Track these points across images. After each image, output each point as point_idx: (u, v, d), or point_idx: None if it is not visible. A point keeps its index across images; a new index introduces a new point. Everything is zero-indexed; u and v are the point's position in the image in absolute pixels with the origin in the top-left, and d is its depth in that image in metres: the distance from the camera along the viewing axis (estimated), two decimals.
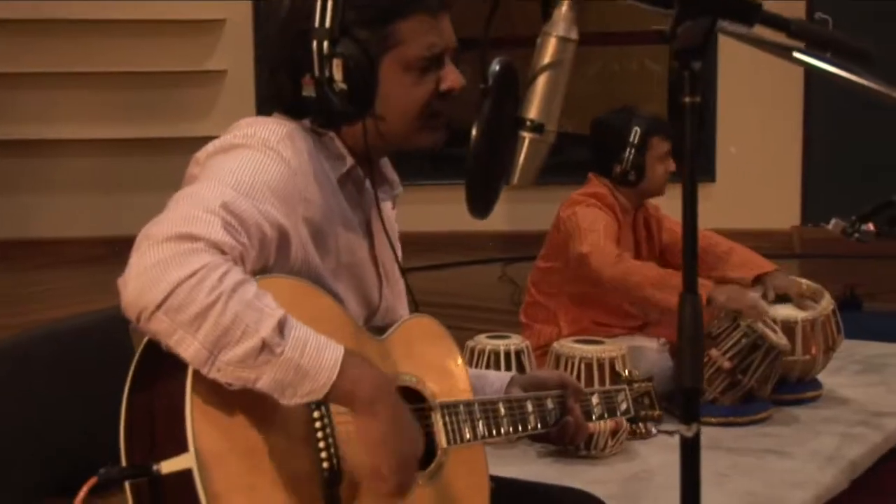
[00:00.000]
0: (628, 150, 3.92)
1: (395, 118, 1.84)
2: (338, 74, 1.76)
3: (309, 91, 1.78)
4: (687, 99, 1.33)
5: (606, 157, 3.97)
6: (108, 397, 1.66)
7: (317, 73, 1.76)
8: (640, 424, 2.33)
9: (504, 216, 7.57)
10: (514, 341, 3.59)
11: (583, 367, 3.38)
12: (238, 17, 8.16)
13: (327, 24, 1.75)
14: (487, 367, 3.45)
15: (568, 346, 3.48)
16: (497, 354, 3.51)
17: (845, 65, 1.56)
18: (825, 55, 1.54)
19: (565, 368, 3.38)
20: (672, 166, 4.02)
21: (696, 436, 1.33)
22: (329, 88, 1.76)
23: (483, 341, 3.57)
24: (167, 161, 7.55)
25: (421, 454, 1.71)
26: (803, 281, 4.10)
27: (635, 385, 2.30)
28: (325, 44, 1.75)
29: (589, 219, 3.85)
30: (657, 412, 2.32)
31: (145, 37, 8.08)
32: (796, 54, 1.55)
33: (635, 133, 3.93)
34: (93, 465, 1.56)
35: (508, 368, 3.44)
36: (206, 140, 1.80)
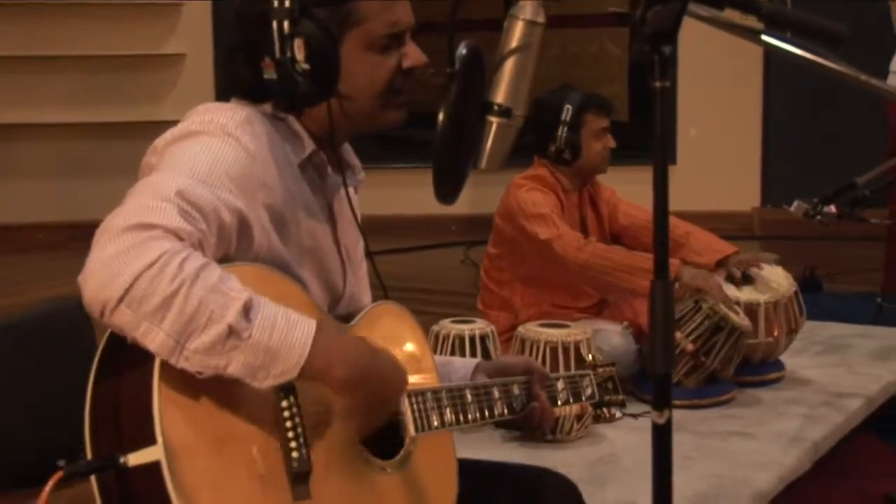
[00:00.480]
0: (561, 127, 3.90)
1: (359, 97, 1.83)
2: (300, 54, 1.73)
3: (270, 74, 1.75)
4: (657, 83, 1.32)
5: (544, 136, 3.94)
6: (70, 386, 1.64)
7: (278, 54, 1.73)
8: (605, 409, 2.34)
9: (466, 199, 7.54)
10: (480, 326, 3.58)
11: (548, 350, 3.37)
12: (196, 1, 8.08)
13: (286, 3, 1.73)
14: (452, 352, 3.44)
15: (533, 330, 3.47)
16: (462, 339, 3.49)
17: (812, 47, 1.56)
18: (786, 36, 1.54)
19: (530, 353, 3.38)
20: (611, 142, 3.98)
21: (668, 422, 1.33)
22: (292, 69, 1.73)
23: (448, 326, 3.56)
24: (126, 145, 7.49)
25: (405, 386, 1.77)
26: (764, 255, 4.12)
27: (599, 369, 2.31)
28: (286, 24, 1.73)
29: (531, 202, 3.84)
30: (620, 397, 2.33)
31: (103, 20, 8.01)
32: (765, 37, 1.54)
33: (567, 110, 3.89)
34: (53, 457, 1.54)
35: (473, 353, 3.43)
36: (165, 124, 1.78)
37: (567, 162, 3.94)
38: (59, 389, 1.94)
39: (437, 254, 7.80)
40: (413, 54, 1.85)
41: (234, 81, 1.84)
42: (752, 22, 1.52)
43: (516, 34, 1.60)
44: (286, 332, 1.56)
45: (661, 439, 1.36)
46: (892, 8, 5.01)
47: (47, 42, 7.92)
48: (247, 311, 1.53)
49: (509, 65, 1.59)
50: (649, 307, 1.35)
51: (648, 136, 1.36)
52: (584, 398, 2.24)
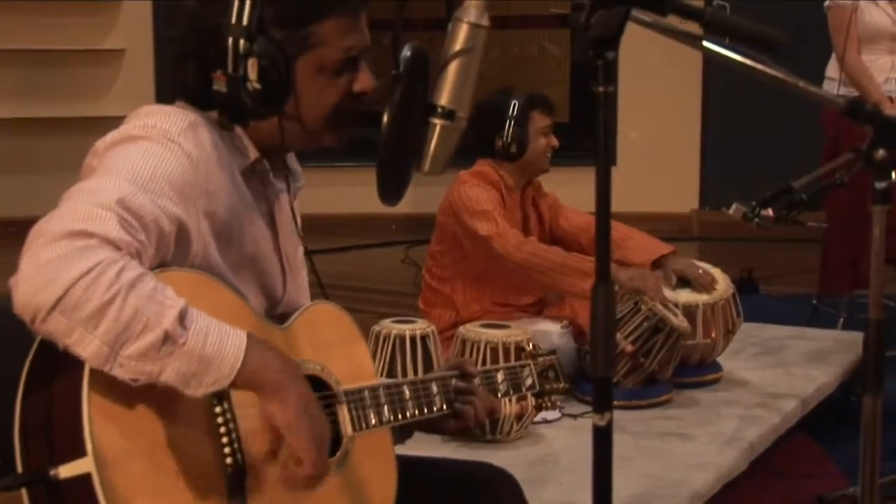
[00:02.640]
0: (508, 122, 3.93)
1: (306, 117, 1.82)
2: (252, 74, 1.71)
3: (220, 86, 1.73)
4: (601, 88, 1.33)
5: (488, 135, 3.97)
6: (7, 387, 1.62)
7: (230, 70, 1.71)
8: (547, 398, 2.33)
9: (407, 199, 7.52)
10: (420, 326, 3.57)
11: (488, 351, 3.38)
12: None
13: (244, 21, 1.70)
14: (393, 351, 3.43)
15: (473, 330, 3.48)
16: (403, 339, 3.48)
17: (751, 53, 1.58)
18: (725, 42, 1.55)
19: (471, 353, 3.38)
20: (554, 142, 4.04)
21: (609, 424, 1.34)
22: (242, 87, 1.72)
23: (388, 326, 3.55)
24: (64, 141, 7.43)
25: (328, 440, 1.70)
26: (700, 264, 4.16)
27: (539, 359, 2.30)
28: (242, 42, 1.70)
29: (474, 198, 3.87)
30: (563, 385, 2.32)
31: (42, 15, 7.91)
32: (705, 43, 1.56)
33: (514, 106, 3.94)
34: None
35: (414, 353, 3.43)
36: (104, 120, 1.76)
37: (513, 157, 3.97)
38: None
39: (377, 253, 7.80)
40: (364, 79, 1.84)
41: (182, 85, 1.82)
42: (693, 27, 1.53)
43: (461, 37, 1.60)
44: (219, 341, 1.55)
45: (602, 441, 1.36)
46: (829, 14, 5.07)
47: None
48: (182, 318, 1.52)
49: (453, 67, 1.59)
50: (591, 310, 1.36)
51: (589, 137, 1.37)
52: (524, 389, 2.24)
